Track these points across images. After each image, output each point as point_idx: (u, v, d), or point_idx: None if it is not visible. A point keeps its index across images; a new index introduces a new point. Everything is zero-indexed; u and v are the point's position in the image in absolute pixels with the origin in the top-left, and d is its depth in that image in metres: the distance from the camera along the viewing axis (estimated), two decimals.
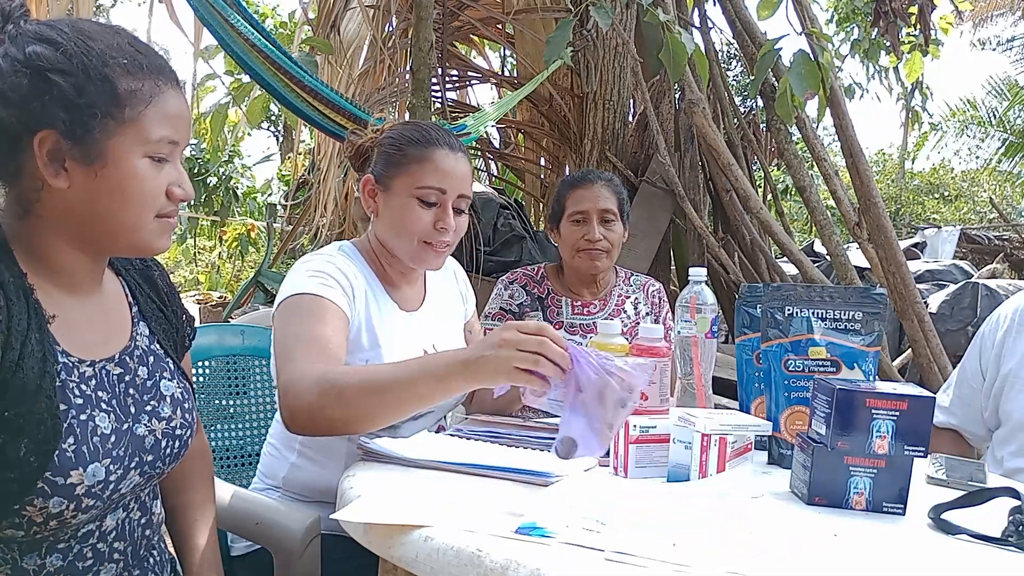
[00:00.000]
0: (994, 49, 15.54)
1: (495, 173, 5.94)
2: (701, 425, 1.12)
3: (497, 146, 5.72)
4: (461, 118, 3.48)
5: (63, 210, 0.90)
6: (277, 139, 14.85)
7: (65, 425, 0.88)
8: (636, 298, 2.09)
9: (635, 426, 1.16)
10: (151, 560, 1.08)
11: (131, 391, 1.00)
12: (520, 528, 0.85)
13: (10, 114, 0.85)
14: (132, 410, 0.99)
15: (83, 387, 0.93)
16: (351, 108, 2.52)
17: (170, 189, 0.95)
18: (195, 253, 12.94)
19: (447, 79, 4.65)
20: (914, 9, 4.10)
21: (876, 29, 4.35)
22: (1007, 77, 15.42)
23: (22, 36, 0.87)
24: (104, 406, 0.94)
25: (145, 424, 0.99)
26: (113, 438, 0.94)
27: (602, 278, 2.06)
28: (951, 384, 1.75)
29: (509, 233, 3.95)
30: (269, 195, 12.45)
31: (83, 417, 0.91)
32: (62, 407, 0.89)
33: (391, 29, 4.31)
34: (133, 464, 0.96)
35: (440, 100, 4.26)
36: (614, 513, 0.94)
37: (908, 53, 4.76)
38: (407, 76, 3.74)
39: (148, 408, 1.01)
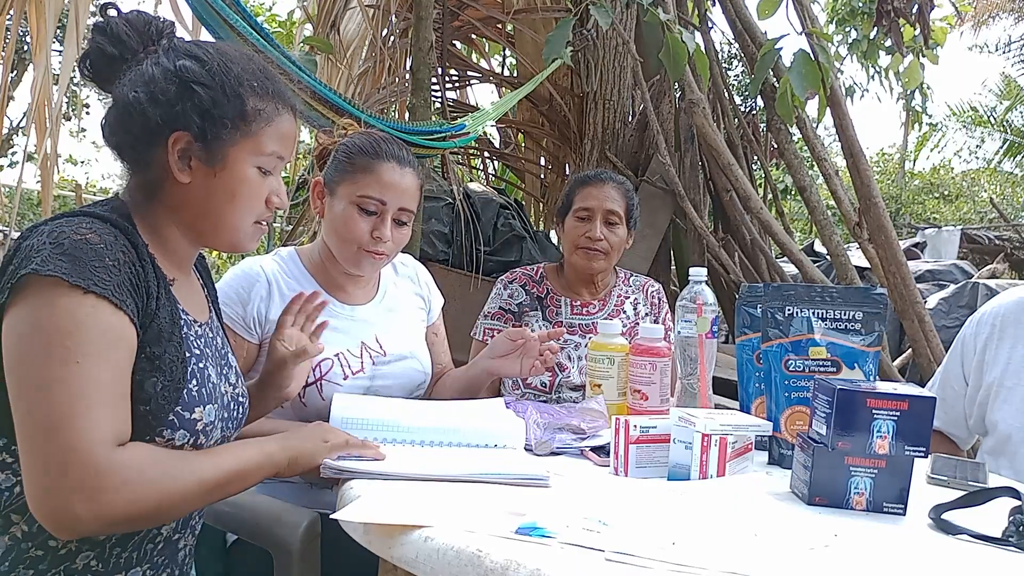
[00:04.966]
0: (992, 52, 15.53)
1: (495, 173, 5.93)
2: (701, 425, 1.12)
3: (497, 146, 5.71)
4: (460, 118, 3.48)
5: (180, 201, 1.05)
6: None
7: (189, 369, 1.02)
8: (635, 298, 2.09)
9: (635, 426, 1.16)
10: (181, 555, 1.12)
11: (217, 354, 1.14)
12: (520, 528, 0.85)
13: (156, 112, 1.00)
14: (220, 369, 1.12)
15: (198, 341, 1.07)
16: (350, 108, 2.51)
17: (269, 197, 1.10)
18: None
19: (447, 79, 4.64)
20: (915, 15, 4.09)
21: (877, 28, 4.34)
22: (1008, 77, 15.40)
23: (174, 50, 1.03)
24: (211, 360, 1.09)
25: (223, 386, 1.12)
26: (217, 389, 1.08)
27: (601, 278, 2.06)
28: (934, 385, 1.75)
29: (509, 233, 3.94)
30: None
31: (200, 365, 1.05)
32: (187, 354, 1.03)
33: (391, 29, 4.31)
34: (221, 416, 1.08)
35: (440, 100, 4.25)
36: (614, 513, 0.94)
37: (909, 56, 4.75)
38: (407, 76, 3.73)
39: (224, 372, 1.14)
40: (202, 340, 1.09)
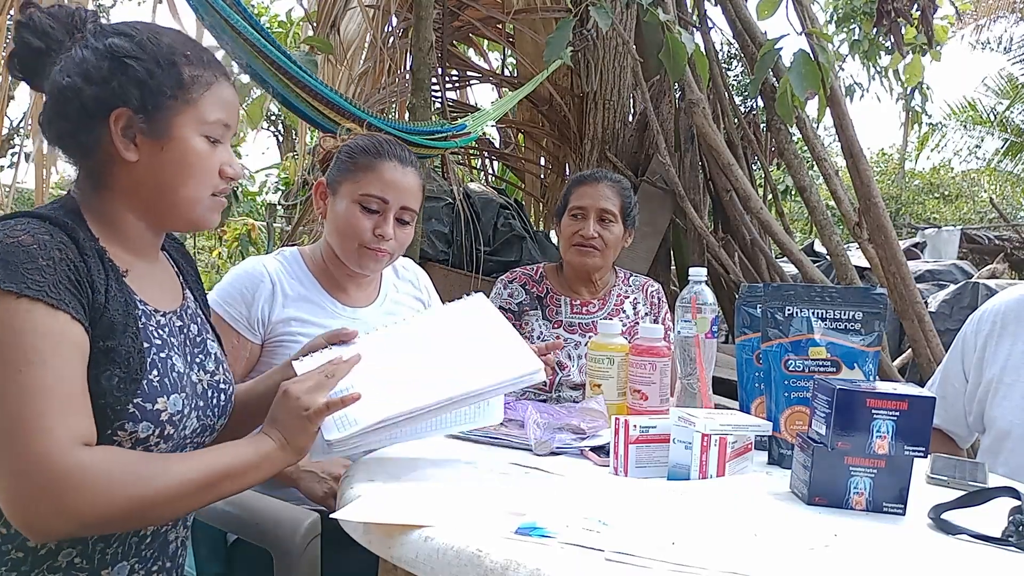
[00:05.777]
0: (994, 50, 15.50)
1: (495, 173, 5.93)
2: (701, 425, 1.12)
3: (497, 146, 5.72)
4: (461, 118, 3.48)
5: (132, 183, 1.03)
6: (277, 139, 14.84)
7: (149, 360, 1.00)
8: (635, 298, 2.09)
9: (635, 426, 1.16)
10: (172, 547, 1.11)
11: (188, 342, 1.12)
12: (520, 528, 0.85)
13: (93, 91, 0.98)
14: (189, 359, 1.10)
15: (160, 331, 1.05)
16: (351, 108, 2.52)
17: (222, 168, 1.07)
18: (195, 253, 12.94)
19: (447, 79, 4.64)
20: (916, 15, 4.09)
21: (877, 28, 4.34)
22: (1009, 75, 15.39)
23: (102, 32, 1.02)
24: (176, 349, 1.07)
25: (196, 374, 1.10)
26: (184, 378, 1.06)
27: (600, 277, 2.06)
28: (935, 383, 1.75)
29: (509, 233, 3.94)
30: (267, 194, 12.44)
31: (163, 355, 1.03)
32: (145, 345, 1.01)
33: (391, 29, 4.31)
34: (193, 405, 1.06)
35: (440, 100, 4.26)
36: (614, 513, 0.94)
37: (910, 55, 4.75)
38: (407, 76, 3.73)
39: (198, 360, 1.12)
40: (165, 329, 1.06)
